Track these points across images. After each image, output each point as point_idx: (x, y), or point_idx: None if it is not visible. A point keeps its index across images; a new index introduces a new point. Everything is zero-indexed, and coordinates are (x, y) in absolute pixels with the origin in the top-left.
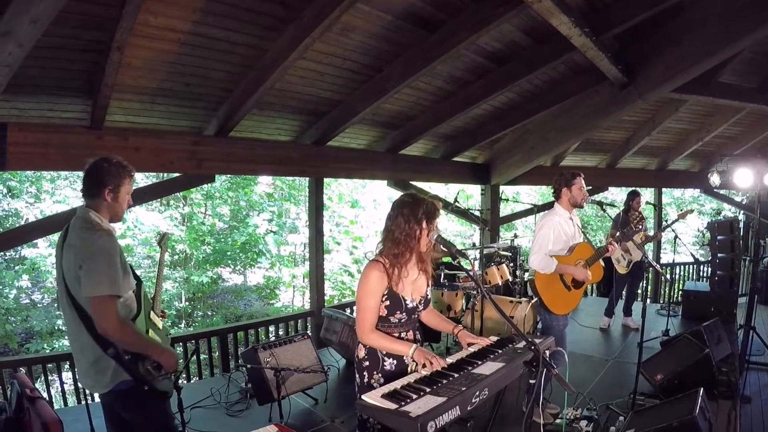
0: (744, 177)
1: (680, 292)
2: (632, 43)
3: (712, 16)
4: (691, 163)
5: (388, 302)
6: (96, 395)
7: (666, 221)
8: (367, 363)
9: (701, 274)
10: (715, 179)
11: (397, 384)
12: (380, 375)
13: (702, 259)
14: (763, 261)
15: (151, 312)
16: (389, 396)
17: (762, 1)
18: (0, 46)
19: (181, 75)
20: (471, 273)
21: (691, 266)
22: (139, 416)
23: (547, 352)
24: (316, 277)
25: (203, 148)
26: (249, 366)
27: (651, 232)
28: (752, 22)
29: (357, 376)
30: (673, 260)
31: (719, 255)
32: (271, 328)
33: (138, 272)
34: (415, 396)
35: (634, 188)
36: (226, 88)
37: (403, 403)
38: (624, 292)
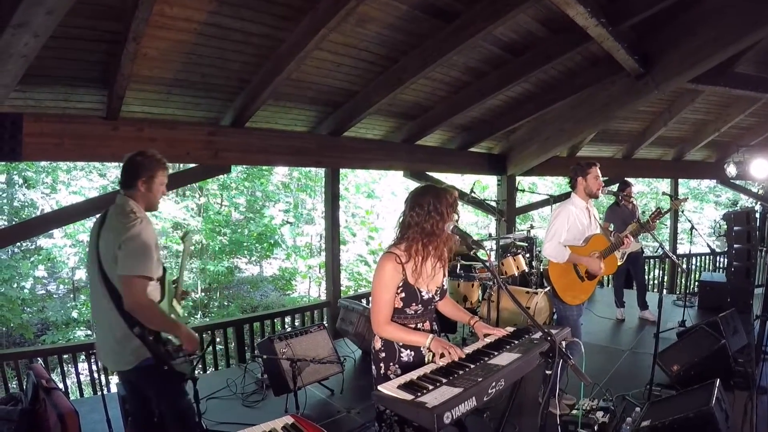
0: (760, 167)
1: (696, 283)
2: (649, 34)
3: (730, 6)
4: (707, 153)
5: (403, 294)
6: (108, 386)
7: (682, 212)
8: (383, 354)
9: (717, 264)
10: (731, 170)
11: (413, 375)
12: (397, 366)
13: (718, 249)
14: None
15: (173, 300)
16: (405, 387)
17: None
18: (16, 37)
19: (197, 65)
20: (487, 264)
21: (707, 257)
22: (159, 392)
23: (563, 343)
24: (332, 267)
25: (219, 139)
26: (265, 357)
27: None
28: None
29: (374, 367)
30: (690, 251)
31: (735, 246)
32: (287, 319)
33: None
34: (431, 387)
35: (624, 179)
36: (242, 79)
37: (419, 394)
38: (634, 286)
